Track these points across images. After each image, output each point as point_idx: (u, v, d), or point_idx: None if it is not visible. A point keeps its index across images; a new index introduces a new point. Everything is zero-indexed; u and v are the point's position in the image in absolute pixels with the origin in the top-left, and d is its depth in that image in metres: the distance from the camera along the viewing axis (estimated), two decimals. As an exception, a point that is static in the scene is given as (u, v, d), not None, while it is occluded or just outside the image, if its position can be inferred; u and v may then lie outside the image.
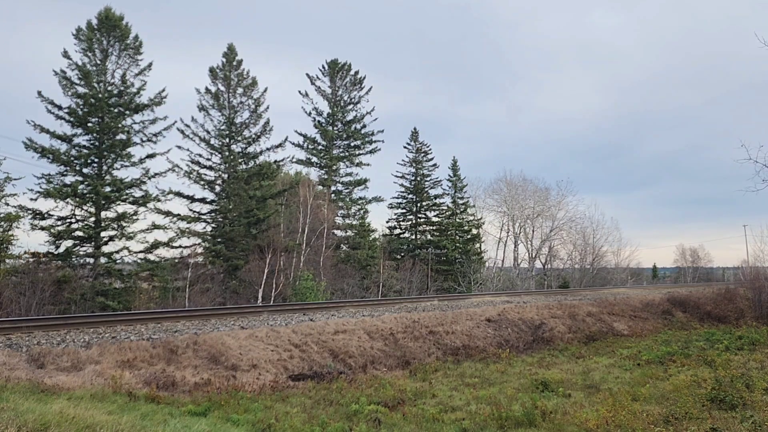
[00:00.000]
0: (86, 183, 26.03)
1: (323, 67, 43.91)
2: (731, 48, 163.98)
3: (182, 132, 32.18)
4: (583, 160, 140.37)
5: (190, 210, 32.80)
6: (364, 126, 44.40)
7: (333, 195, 41.64)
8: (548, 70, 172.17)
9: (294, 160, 41.09)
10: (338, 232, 41.25)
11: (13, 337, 11.39)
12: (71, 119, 26.40)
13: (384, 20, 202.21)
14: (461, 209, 49.51)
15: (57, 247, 25.27)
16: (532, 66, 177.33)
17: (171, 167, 30.60)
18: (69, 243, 25.68)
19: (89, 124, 26.66)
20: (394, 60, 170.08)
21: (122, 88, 27.63)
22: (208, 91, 33.14)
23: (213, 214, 33.61)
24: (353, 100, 44.29)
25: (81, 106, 26.46)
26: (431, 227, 48.73)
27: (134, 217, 27.23)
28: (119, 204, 27.22)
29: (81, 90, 26.41)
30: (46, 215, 25.27)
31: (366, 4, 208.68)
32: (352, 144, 44.53)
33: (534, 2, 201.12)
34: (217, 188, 33.54)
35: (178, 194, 31.73)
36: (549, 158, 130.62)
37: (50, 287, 22.74)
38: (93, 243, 26.08)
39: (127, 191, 27.21)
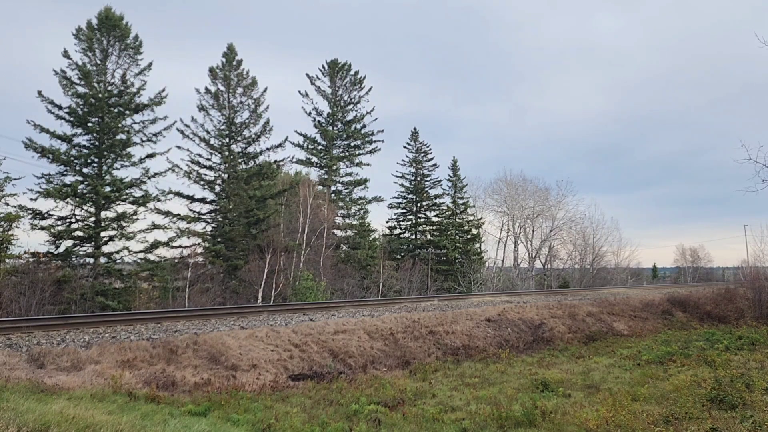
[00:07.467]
0: (86, 183, 26.04)
1: (323, 67, 43.93)
2: (732, 49, 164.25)
3: (182, 132, 32.24)
4: (584, 160, 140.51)
5: (190, 210, 32.85)
6: (364, 126, 44.46)
7: (333, 195, 41.64)
8: (551, 71, 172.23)
9: (294, 160, 41.15)
10: (338, 232, 41.23)
11: (13, 337, 11.39)
12: (71, 119, 26.42)
13: (388, 23, 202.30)
14: (461, 209, 49.50)
15: (57, 247, 25.29)
16: (536, 68, 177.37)
17: (171, 167, 30.70)
18: (69, 243, 25.71)
19: (89, 124, 26.67)
20: (398, 62, 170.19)
21: (122, 88, 27.65)
22: (207, 91, 33.15)
23: (213, 214, 33.63)
24: (353, 100, 44.31)
25: (81, 106, 26.47)
26: (431, 227, 48.70)
27: (134, 217, 27.27)
28: (119, 204, 27.25)
29: (81, 90, 26.42)
30: (46, 215, 25.28)
31: (370, 7, 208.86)
32: (352, 144, 44.54)
33: (537, 5, 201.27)
34: (217, 188, 33.56)
35: (178, 194, 31.78)
36: (551, 159, 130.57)
37: (50, 287, 22.74)
38: (93, 243, 26.09)
39: (127, 191, 27.23)
